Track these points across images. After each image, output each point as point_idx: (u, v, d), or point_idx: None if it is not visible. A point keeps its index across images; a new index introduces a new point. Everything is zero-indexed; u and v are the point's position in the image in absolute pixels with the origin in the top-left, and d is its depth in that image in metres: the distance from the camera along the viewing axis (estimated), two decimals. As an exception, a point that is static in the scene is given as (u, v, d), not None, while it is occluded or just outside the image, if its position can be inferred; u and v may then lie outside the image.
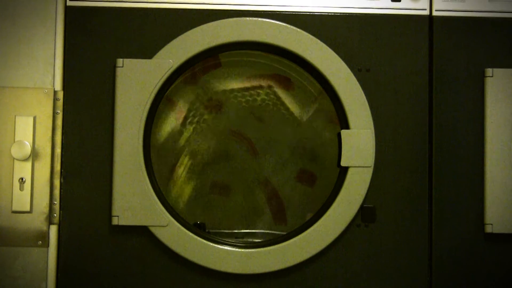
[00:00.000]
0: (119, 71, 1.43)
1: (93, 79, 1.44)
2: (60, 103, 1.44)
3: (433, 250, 1.46)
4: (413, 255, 1.46)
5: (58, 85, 1.45)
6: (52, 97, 1.44)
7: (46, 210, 1.43)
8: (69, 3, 1.46)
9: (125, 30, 1.45)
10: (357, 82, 1.45)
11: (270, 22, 1.45)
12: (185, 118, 1.63)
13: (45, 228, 1.43)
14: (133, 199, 1.41)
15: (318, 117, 1.63)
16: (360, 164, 1.44)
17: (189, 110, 1.63)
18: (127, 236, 1.43)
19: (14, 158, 1.41)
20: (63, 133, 1.44)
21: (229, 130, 1.65)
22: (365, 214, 1.45)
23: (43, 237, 1.42)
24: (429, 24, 1.48)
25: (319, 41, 1.45)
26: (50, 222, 1.43)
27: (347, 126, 1.45)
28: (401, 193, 1.46)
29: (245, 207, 1.64)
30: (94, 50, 1.45)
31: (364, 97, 1.45)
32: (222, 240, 1.46)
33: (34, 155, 1.42)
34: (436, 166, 1.47)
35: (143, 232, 1.43)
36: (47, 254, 1.43)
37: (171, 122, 1.62)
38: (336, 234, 1.44)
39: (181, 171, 1.63)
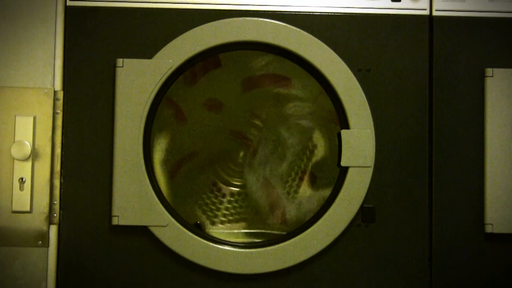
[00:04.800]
0: (119, 71, 1.43)
1: (93, 79, 1.44)
2: (60, 103, 1.44)
3: (433, 250, 1.46)
4: (413, 255, 1.46)
5: (58, 85, 1.45)
6: (52, 97, 1.44)
7: (46, 210, 1.43)
8: (69, 3, 1.46)
9: (125, 30, 1.45)
10: (357, 82, 1.45)
11: (270, 22, 1.45)
12: (185, 117, 1.63)
13: (45, 228, 1.43)
14: (133, 199, 1.41)
15: (318, 117, 1.63)
16: (360, 164, 1.44)
17: (189, 110, 1.63)
18: (127, 236, 1.43)
19: (14, 158, 1.41)
20: (63, 133, 1.44)
21: (229, 130, 1.65)
22: (365, 214, 1.45)
23: (43, 237, 1.42)
24: (429, 24, 1.48)
25: (319, 41, 1.45)
26: (50, 222, 1.43)
27: (347, 126, 1.45)
28: (401, 193, 1.46)
29: (245, 207, 1.65)
30: (94, 50, 1.45)
31: (364, 97, 1.45)
32: (222, 240, 1.46)
33: (34, 155, 1.42)
34: (436, 166, 1.47)
35: (143, 232, 1.43)
36: (47, 254, 1.43)
37: (171, 122, 1.62)
38: (336, 234, 1.44)
39: (181, 171, 1.63)
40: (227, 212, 1.64)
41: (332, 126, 1.60)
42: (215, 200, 1.64)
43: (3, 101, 1.43)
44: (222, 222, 1.63)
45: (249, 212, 1.64)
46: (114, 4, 1.45)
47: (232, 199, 1.64)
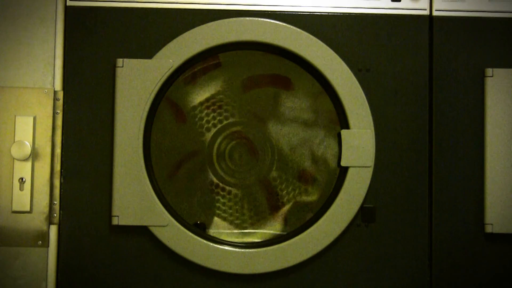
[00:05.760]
0: (119, 71, 1.43)
1: (93, 79, 1.45)
2: (60, 103, 1.44)
3: (433, 250, 1.46)
4: (413, 255, 1.46)
5: (58, 85, 1.45)
6: (52, 97, 1.44)
7: (46, 210, 1.43)
8: (69, 3, 1.46)
9: (125, 30, 1.45)
10: (357, 82, 1.45)
11: (270, 22, 1.45)
12: (185, 117, 1.63)
13: (45, 228, 1.43)
14: (133, 199, 1.41)
15: (318, 117, 1.63)
16: (360, 164, 1.44)
17: (189, 110, 1.63)
18: (127, 236, 1.43)
19: (14, 158, 1.41)
20: (63, 133, 1.44)
21: (229, 130, 1.65)
22: (365, 214, 1.45)
23: (43, 237, 1.42)
24: (429, 24, 1.48)
25: (319, 41, 1.45)
26: (50, 222, 1.43)
27: (347, 126, 1.45)
28: (401, 193, 1.46)
29: (245, 207, 1.64)
30: (94, 50, 1.45)
31: (364, 97, 1.45)
32: (222, 240, 1.46)
33: (34, 155, 1.42)
34: (436, 166, 1.47)
35: (143, 232, 1.43)
36: (47, 254, 1.43)
37: (171, 122, 1.62)
38: (336, 234, 1.44)
39: (181, 171, 1.63)
40: (226, 212, 1.64)
41: (332, 126, 1.60)
42: (215, 200, 1.64)
43: (3, 101, 1.43)
44: (221, 222, 1.63)
45: (249, 211, 1.64)
46: (114, 4, 1.46)
47: (231, 197, 1.64)
